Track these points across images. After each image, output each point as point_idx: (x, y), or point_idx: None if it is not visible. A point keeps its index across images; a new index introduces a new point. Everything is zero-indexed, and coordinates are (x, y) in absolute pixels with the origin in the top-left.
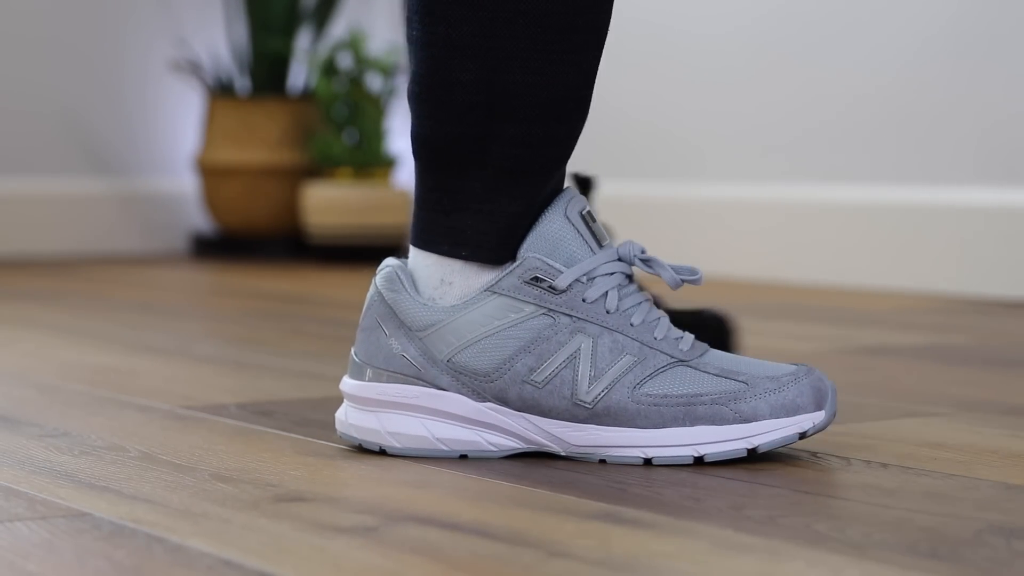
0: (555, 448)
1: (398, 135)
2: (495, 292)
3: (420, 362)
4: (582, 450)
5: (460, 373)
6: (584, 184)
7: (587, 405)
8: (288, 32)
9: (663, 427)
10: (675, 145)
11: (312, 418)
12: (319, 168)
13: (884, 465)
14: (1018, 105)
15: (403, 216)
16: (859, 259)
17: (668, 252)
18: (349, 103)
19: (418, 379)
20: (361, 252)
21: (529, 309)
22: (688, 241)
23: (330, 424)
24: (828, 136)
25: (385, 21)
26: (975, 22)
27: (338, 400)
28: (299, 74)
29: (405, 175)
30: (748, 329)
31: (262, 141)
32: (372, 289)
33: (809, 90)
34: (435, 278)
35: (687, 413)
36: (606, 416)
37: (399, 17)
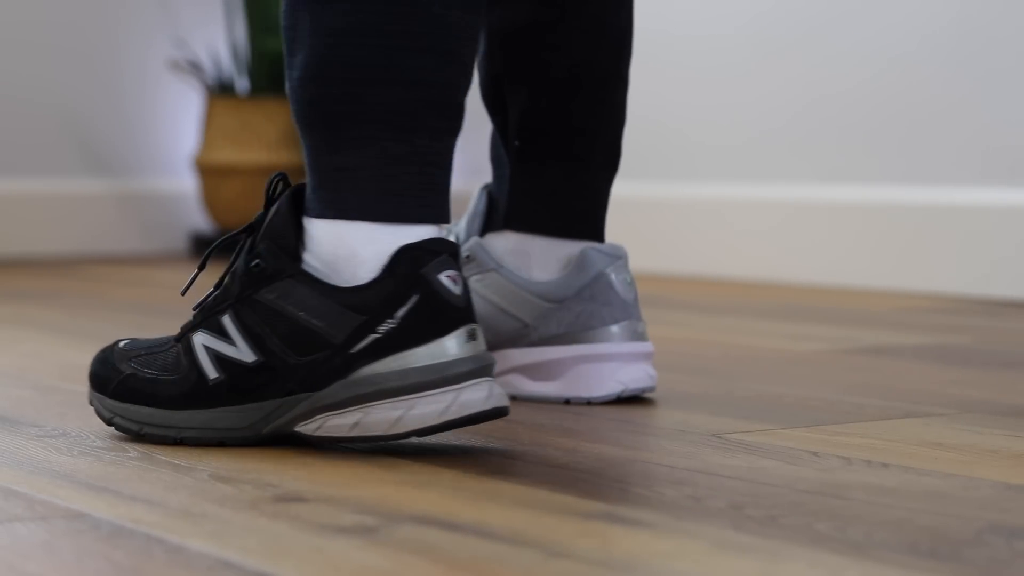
0: None
1: None
2: None
3: None
4: None
5: None
6: None
7: None
8: None
9: None
10: (675, 145)
11: None
12: None
13: (885, 465)
14: (1020, 105)
15: None
16: (859, 259)
17: (668, 252)
18: None
19: None
20: None
21: None
22: (688, 241)
23: None
24: (829, 136)
25: None
26: (979, 22)
27: None
28: None
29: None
30: (748, 329)
31: (261, 141)
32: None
33: (810, 90)
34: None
35: None
36: None
37: None
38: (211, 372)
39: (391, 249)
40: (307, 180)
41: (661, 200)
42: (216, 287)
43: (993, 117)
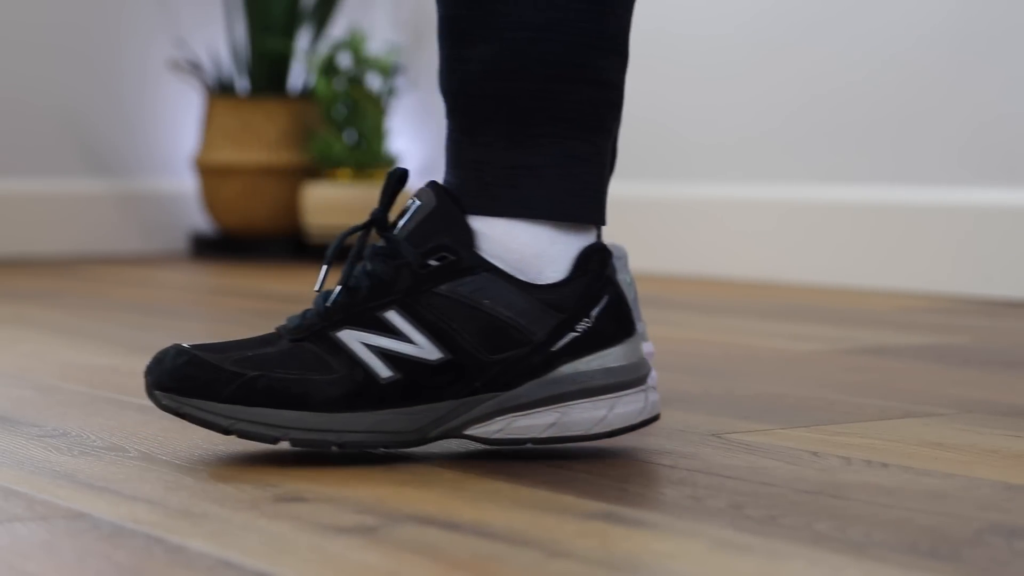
0: None
1: (398, 135)
2: None
3: None
4: None
5: None
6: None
7: None
8: (288, 32)
9: None
10: (675, 145)
11: None
12: (319, 168)
13: (884, 465)
14: (1017, 104)
15: None
16: (859, 259)
17: (667, 252)
18: (349, 103)
19: None
20: None
21: None
22: (687, 241)
23: None
24: (828, 136)
25: (385, 21)
26: (972, 22)
27: None
28: (299, 74)
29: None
30: (748, 329)
31: (262, 141)
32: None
33: (809, 90)
34: None
35: None
36: None
37: (399, 17)
38: (383, 371)
39: (572, 249)
40: (461, 176)
41: (660, 200)
42: (342, 283)
43: (991, 116)
